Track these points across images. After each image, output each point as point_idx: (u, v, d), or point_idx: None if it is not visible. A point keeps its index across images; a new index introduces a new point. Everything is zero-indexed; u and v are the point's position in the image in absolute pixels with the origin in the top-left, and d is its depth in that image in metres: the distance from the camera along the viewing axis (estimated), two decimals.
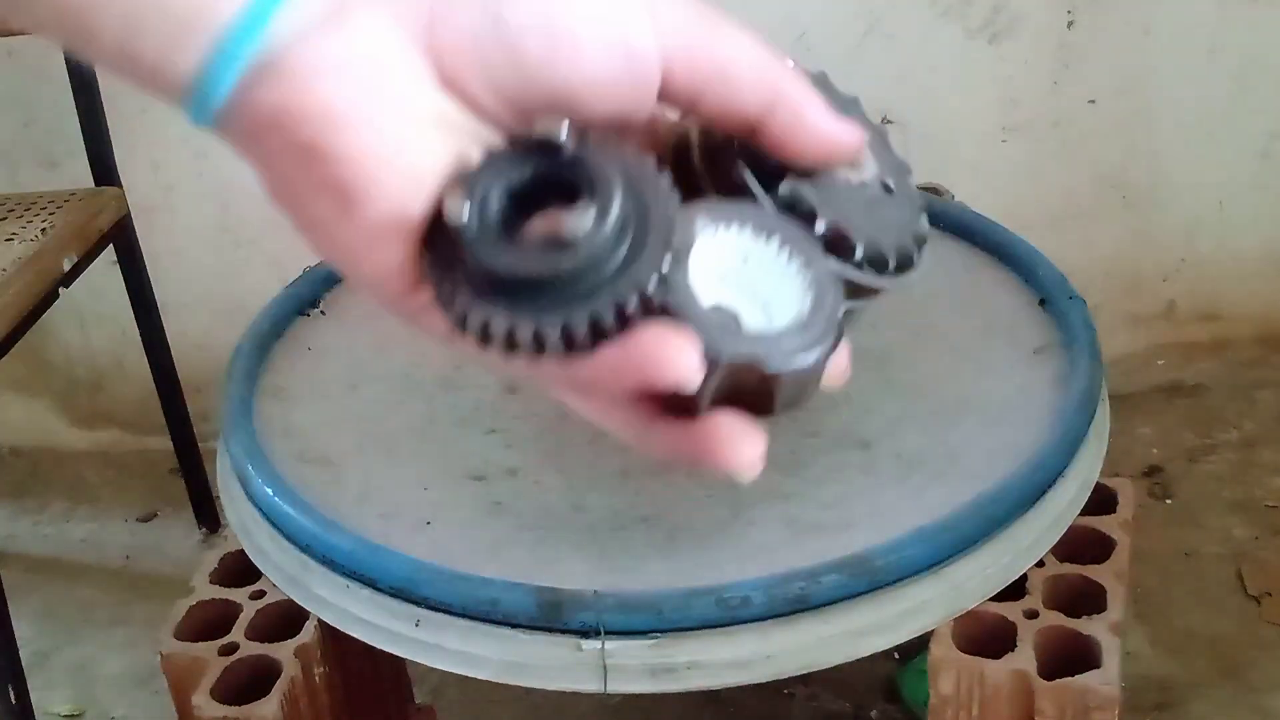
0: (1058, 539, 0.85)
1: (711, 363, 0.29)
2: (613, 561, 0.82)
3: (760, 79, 0.32)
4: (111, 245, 1.52)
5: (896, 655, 1.32)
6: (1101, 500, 0.95)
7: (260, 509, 0.88)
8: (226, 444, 0.93)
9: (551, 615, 0.76)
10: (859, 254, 0.33)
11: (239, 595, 0.96)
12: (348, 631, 0.83)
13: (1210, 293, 1.81)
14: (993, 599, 0.83)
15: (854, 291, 0.33)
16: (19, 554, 1.71)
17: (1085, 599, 0.89)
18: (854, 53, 1.64)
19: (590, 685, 0.77)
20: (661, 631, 0.76)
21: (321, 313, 1.08)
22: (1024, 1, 1.63)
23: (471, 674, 0.79)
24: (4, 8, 0.28)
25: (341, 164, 0.28)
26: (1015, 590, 0.86)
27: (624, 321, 0.28)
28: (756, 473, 0.31)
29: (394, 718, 1.10)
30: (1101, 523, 0.95)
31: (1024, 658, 0.85)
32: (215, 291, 1.77)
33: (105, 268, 1.54)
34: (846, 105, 0.35)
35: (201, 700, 0.88)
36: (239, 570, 0.97)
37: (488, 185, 0.29)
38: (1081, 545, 0.92)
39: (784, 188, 0.32)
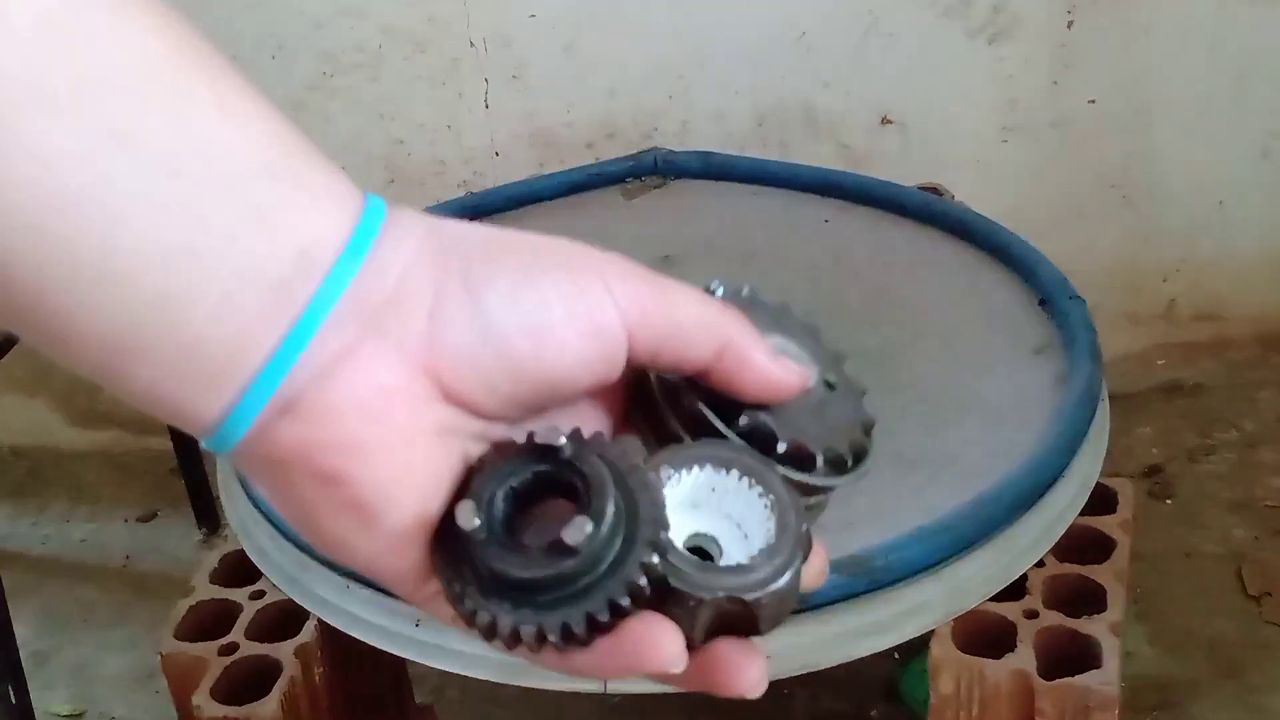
0: (1058, 539, 0.85)
1: (697, 603, 0.33)
2: None
3: (709, 331, 0.36)
4: None
5: (896, 655, 1.32)
6: (1101, 500, 0.95)
7: (260, 509, 0.88)
8: None
9: None
10: (819, 463, 0.37)
11: (239, 595, 0.96)
12: (348, 631, 0.83)
13: (1210, 293, 1.81)
14: (993, 599, 0.83)
15: (815, 490, 0.37)
16: (19, 554, 1.71)
17: (1085, 599, 0.89)
18: (854, 53, 1.64)
19: (590, 685, 0.77)
20: None
21: None
22: (1024, 1, 1.63)
23: (471, 674, 0.79)
24: (40, 342, 0.31)
25: (362, 486, 0.32)
26: (1015, 590, 0.86)
27: (618, 613, 0.32)
28: (763, 689, 0.34)
29: (394, 718, 1.10)
30: (1101, 523, 0.95)
31: (1024, 658, 0.85)
32: None
33: None
34: (777, 314, 0.39)
35: (201, 700, 0.88)
36: (239, 570, 0.97)
37: (492, 490, 0.33)
38: (1081, 545, 0.92)
39: (743, 420, 0.36)
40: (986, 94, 1.69)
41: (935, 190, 1.25)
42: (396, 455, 0.32)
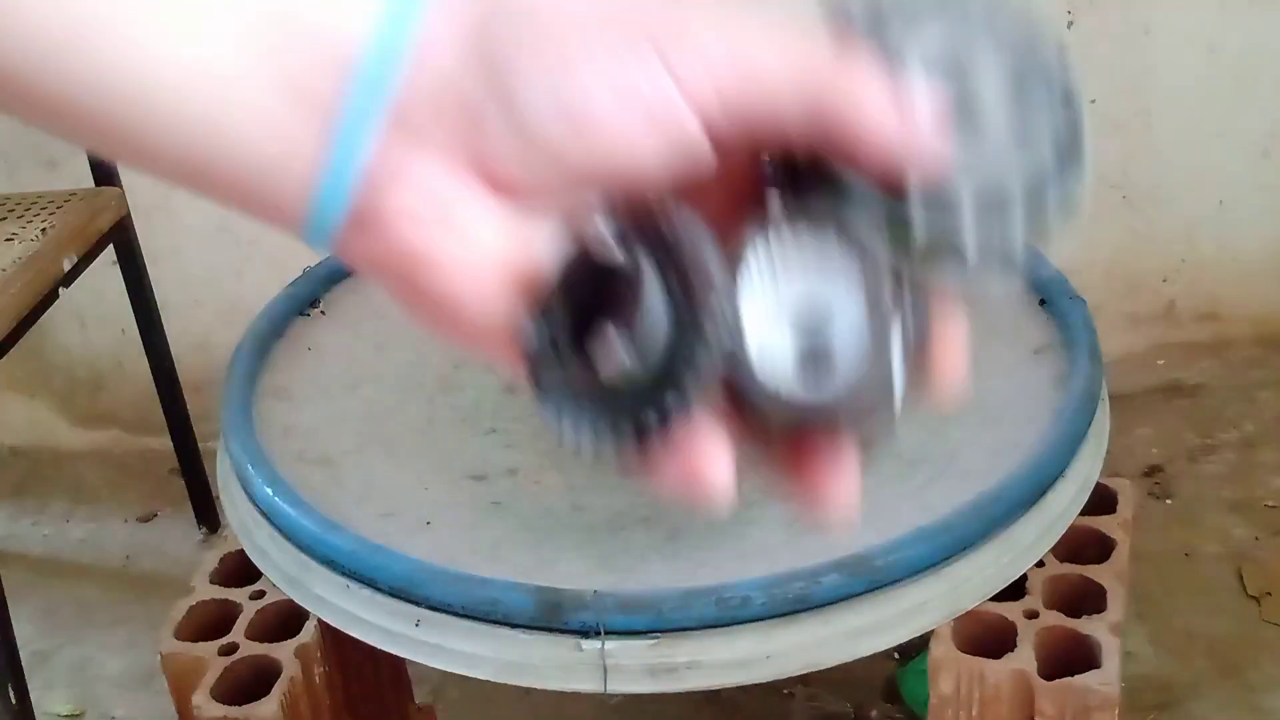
0: (1058, 539, 0.85)
1: (765, 416, 0.31)
2: (613, 561, 0.82)
3: (802, 94, 0.29)
4: (111, 245, 1.52)
5: (896, 655, 1.32)
6: (1101, 500, 0.95)
7: (260, 509, 0.88)
8: (226, 444, 0.93)
9: (551, 615, 0.76)
10: (972, 258, 0.30)
11: (239, 595, 0.96)
12: (348, 631, 0.83)
13: (1210, 293, 1.81)
14: (993, 599, 0.83)
15: (971, 288, 0.31)
16: (19, 554, 1.71)
17: (1085, 599, 0.89)
18: None
19: (590, 685, 0.77)
20: (661, 631, 0.76)
21: (321, 313, 1.08)
22: (1024, 1, 1.63)
23: (471, 674, 0.79)
24: (140, 165, 0.32)
25: (431, 292, 0.32)
26: (1015, 590, 0.86)
27: (668, 420, 0.30)
28: (854, 504, 0.33)
29: (394, 718, 1.10)
30: (1101, 523, 0.95)
31: (1024, 658, 0.85)
32: (215, 291, 1.77)
33: (105, 268, 1.54)
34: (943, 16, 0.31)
35: (201, 700, 0.88)
36: (239, 570, 0.97)
37: (554, 312, 0.31)
38: (1081, 545, 0.92)
39: (874, 204, 0.30)
40: None
41: None
42: (460, 258, 0.31)
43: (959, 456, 0.88)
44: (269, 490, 0.86)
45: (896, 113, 0.29)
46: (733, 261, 0.30)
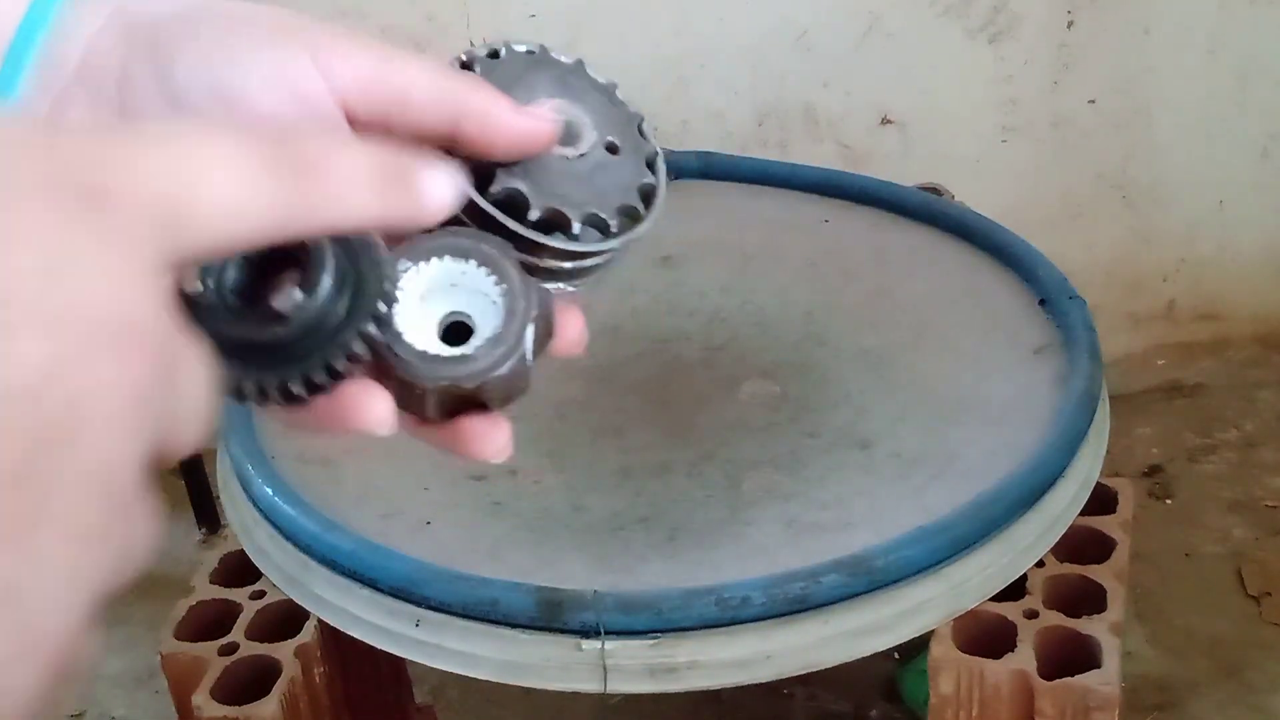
0: (1058, 539, 0.85)
1: (421, 389, 0.36)
2: (613, 561, 0.82)
3: (440, 99, 0.35)
4: None
5: (896, 655, 1.32)
6: (1101, 500, 0.95)
7: (260, 509, 0.88)
8: (226, 444, 0.93)
9: (551, 615, 0.76)
10: (576, 228, 0.38)
11: (239, 595, 0.96)
12: (348, 631, 0.83)
13: (1210, 293, 1.81)
14: (993, 599, 0.83)
15: (577, 256, 0.38)
16: None
17: (1085, 599, 0.89)
18: (854, 53, 1.64)
19: (590, 685, 0.77)
20: (661, 631, 0.76)
21: None
22: (1024, 1, 1.63)
23: (471, 674, 0.79)
24: None
25: None
26: (1015, 590, 0.86)
27: (335, 375, 0.34)
28: (506, 454, 0.37)
29: (394, 718, 1.10)
30: (1101, 523, 0.95)
31: (1024, 658, 0.85)
32: None
33: None
34: (563, 75, 0.39)
35: (201, 700, 0.88)
36: (239, 570, 0.97)
37: (222, 263, 0.33)
38: (1081, 545, 0.92)
39: (495, 188, 0.37)
40: (986, 94, 1.69)
41: (935, 190, 1.25)
42: None
43: (959, 456, 0.88)
44: (269, 490, 0.86)
45: (516, 113, 0.36)
46: (391, 263, 0.35)
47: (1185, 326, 1.83)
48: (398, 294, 0.35)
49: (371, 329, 0.34)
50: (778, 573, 0.77)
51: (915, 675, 1.26)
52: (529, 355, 0.36)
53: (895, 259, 1.11)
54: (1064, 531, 0.85)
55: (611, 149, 0.39)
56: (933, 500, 0.83)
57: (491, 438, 0.37)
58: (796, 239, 1.15)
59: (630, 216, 0.39)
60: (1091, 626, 0.87)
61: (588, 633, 0.76)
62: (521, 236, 0.38)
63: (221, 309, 0.33)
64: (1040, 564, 0.88)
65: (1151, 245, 1.79)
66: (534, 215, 0.37)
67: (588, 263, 0.39)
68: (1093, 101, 1.69)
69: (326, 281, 0.33)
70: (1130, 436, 1.68)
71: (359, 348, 0.34)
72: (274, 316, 0.33)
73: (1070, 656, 0.86)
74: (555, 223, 0.38)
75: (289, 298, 0.33)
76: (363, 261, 0.34)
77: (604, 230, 0.39)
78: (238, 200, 0.26)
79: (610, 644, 0.76)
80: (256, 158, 0.26)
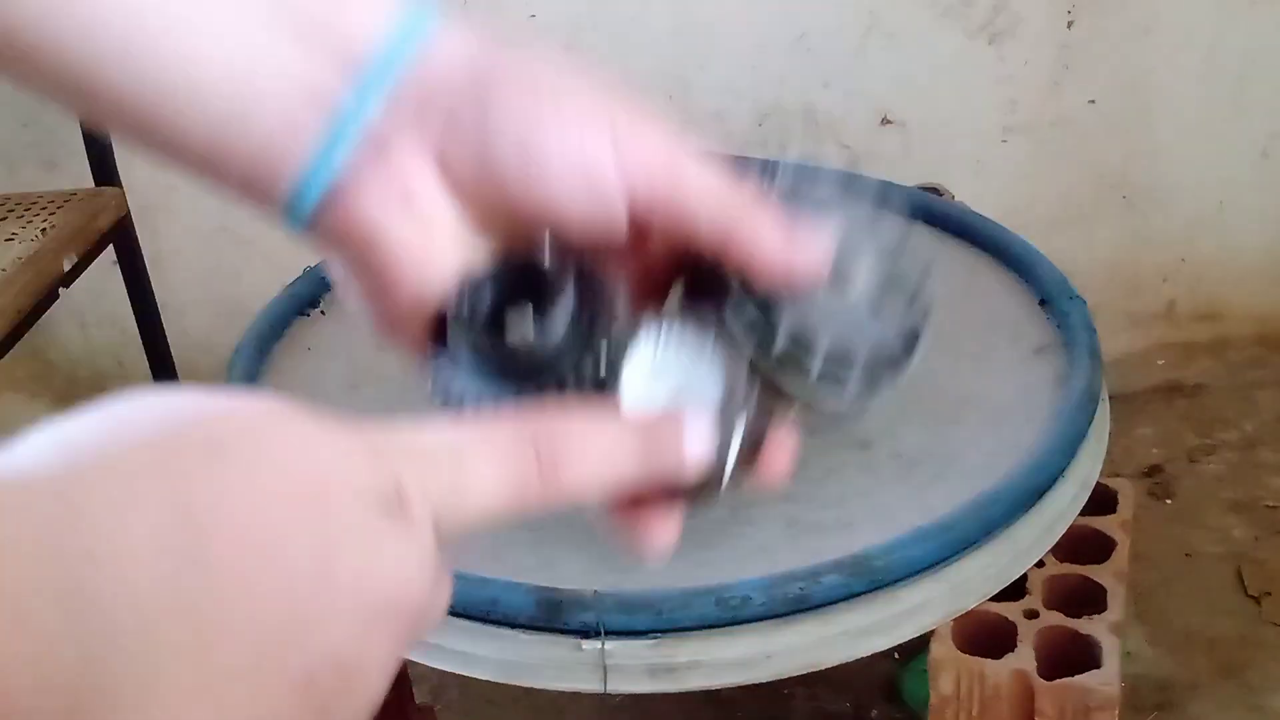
0: (1058, 539, 0.85)
1: None
2: (613, 561, 0.82)
3: (713, 215, 0.36)
4: (111, 245, 1.52)
5: (896, 655, 1.32)
6: (1101, 500, 0.95)
7: None
8: None
9: (551, 615, 0.76)
10: (814, 371, 0.37)
11: None
12: None
13: (1210, 293, 1.81)
14: (993, 599, 0.83)
15: (807, 407, 0.38)
16: None
17: (1085, 599, 0.89)
18: (854, 53, 1.64)
19: (590, 685, 0.77)
20: (661, 631, 0.76)
21: (321, 313, 1.08)
22: (1024, 1, 1.63)
23: (471, 674, 0.79)
24: (164, 157, 0.37)
25: (375, 263, 0.37)
26: (1015, 590, 0.86)
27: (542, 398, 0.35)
28: (666, 556, 0.37)
29: (394, 718, 1.10)
30: (1101, 523, 0.95)
31: (1024, 658, 0.85)
32: (215, 291, 1.77)
33: (105, 268, 1.54)
34: (854, 194, 0.39)
35: None
36: None
37: (482, 289, 0.36)
38: (1081, 545, 0.92)
39: (749, 311, 0.37)
40: (986, 94, 1.69)
41: (935, 190, 1.25)
42: (414, 240, 0.36)
43: (959, 456, 0.88)
44: None
45: (786, 247, 0.37)
46: (631, 327, 0.36)
47: (1185, 326, 1.83)
48: (629, 363, 0.36)
49: (600, 373, 0.35)
50: (778, 573, 0.77)
51: (915, 675, 1.26)
52: (727, 466, 0.36)
53: None
54: (1064, 531, 0.85)
55: (884, 289, 0.39)
56: (933, 500, 0.83)
57: (662, 529, 0.37)
58: None
59: (871, 379, 0.38)
60: (1091, 626, 0.87)
61: (588, 633, 0.76)
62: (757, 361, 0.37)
63: (467, 322, 0.36)
64: (1040, 564, 0.88)
65: (1151, 245, 1.79)
66: (778, 347, 0.37)
67: (815, 409, 0.38)
68: (1093, 102, 1.69)
69: (560, 321, 0.35)
70: (1130, 436, 1.68)
71: (574, 383, 0.35)
72: (515, 330, 0.36)
73: (1070, 656, 0.86)
74: (795, 362, 0.37)
75: (519, 328, 0.36)
76: (601, 315, 0.36)
77: (840, 385, 0.38)
78: (495, 500, 0.32)
79: (610, 644, 0.76)
80: (510, 463, 0.32)
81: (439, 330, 0.36)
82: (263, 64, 0.35)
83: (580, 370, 0.35)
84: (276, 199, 0.37)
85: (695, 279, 0.38)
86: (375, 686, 0.30)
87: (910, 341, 0.39)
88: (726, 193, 0.37)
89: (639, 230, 0.37)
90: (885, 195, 0.39)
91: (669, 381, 0.37)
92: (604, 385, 0.35)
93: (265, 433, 0.29)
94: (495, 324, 0.36)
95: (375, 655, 0.29)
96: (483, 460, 0.32)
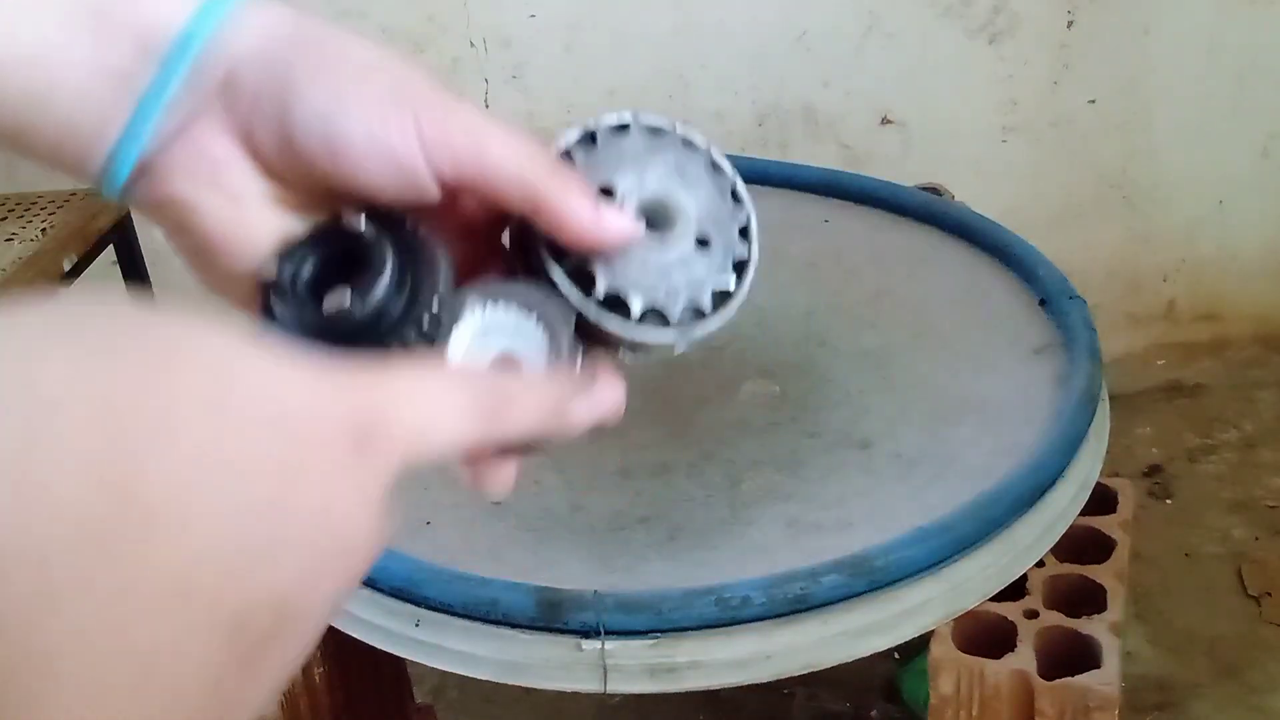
0: (1058, 539, 0.85)
1: None
2: (613, 561, 0.82)
3: (520, 183, 0.37)
4: (111, 245, 1.52)
5: (896, 655, 1.32)
6: (1101, 500, 0.95)
7: None
8: None
9: (551, 615, 0.76)
10: (636, 313, 0.39)
11: None
12: (347, 631, 0.83)
13: (1210, 293, 1.82)
14: (993, 599, 0.83)
15: (637, 347, 0.40)
16: None
17: (1085, 599, 0.89)
18: (854, 53, 1.64)
19: (590, 685, 0.77)
20: (661, 631, 0.76)
21: None
22: (1024, 1, 1.63)
23: (471, 674, 0.79)
24: None
25: (199, 234, 0.38)
26: (1015, 590, 0.86)
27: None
28: (507, 492, 0.39)
29: (394, 718, 1.10)
30: (1101, 523, 0.95)
31: (1024, 658, 0.85)
32: None
33: (105, 268, 1.54)
34: (678, 153, 0.40)
35: None
36: None
37: (301, 258, 0.37)
38: (1081, 545, 0.92)
39: (571, 259, 0.39)
40: (986, 94, 1.69)
41: (935, 190, 1.25)
42: (224, 212, 0.38)
43: (959, 456, 0.88)
44: None
45: (591, 214, 0.38)
46: (457, 286, 0.38)
47: (1185, 326, 1.83)
48: (458, 325, 0.38)
49: (427, 331, 0.36)
50: (778, 573, 0.77)
51: (915, 675, 1.26)
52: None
53: (895, 259, 1.11)
54: (1064, 531, 0.85)
55: (703, 242, 0.40)
56: (933, 500, 0.83)
57: (500, 475, 0.38)
58: (796, 239, 1.15)
59: (697, 313, 0.40)
60: (1091, 626, 0.87)
61: (588, 633, 0.76)
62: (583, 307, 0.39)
63: (292, 301, 0.37)
64: (1040, 564, 0.88)
65: (1151, 245, 1.79)
66: (599, 292, 0.39)
67: (642, 345, 0.40)
68: (1093, 101, 1.69)
69: (381, 288, 0.36)
70: (1130, 436, 1.68)
71: (412, 340, 0.36)
72: (343, 309, 0.36)
73: (1070, 656, 0.86)
74: (615, 305, 0.39)
75: (340, 300, 0.36)
76: (425, 278, 0.37)
77: (665, 322, 0.40)
78: (455, 437, 0.32)
79: (610, 644, 0.76)
80: (474, 407, 0.32)
81: (266, 297, 0.38)
82: (58, 54, 0.36)
83: (403, 332, 0.36)
84: (89, 172, 0.38)
85: (521, 229, 0.40)
86: (311, 635, 0.28)
87: (738, 270, 0.41)
88: (530, 165, 0.37)
89: (454, 194, 0.38)
90: (690, 141, 0.41)
91: (498, 337, 0.38)
92: (433, 343, 0.37)
93: (228, 351, 0.27)
94: (317, 291, 0.37)
95: (319, 599, 0.27)
96: (451, 405, 0.32)
